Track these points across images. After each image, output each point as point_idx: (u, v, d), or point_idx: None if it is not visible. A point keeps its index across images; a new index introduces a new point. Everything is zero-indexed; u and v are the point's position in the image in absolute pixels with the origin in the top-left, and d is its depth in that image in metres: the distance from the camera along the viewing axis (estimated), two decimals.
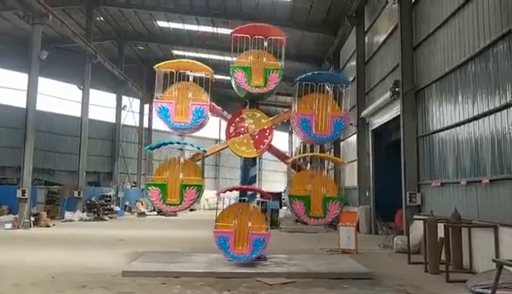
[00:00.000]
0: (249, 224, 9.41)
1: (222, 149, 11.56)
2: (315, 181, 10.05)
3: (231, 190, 10.27)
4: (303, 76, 10.31)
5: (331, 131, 10.09)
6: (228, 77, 30.82)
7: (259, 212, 9.85)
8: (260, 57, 10.31)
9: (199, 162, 10.53)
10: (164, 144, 10.41)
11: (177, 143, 10.70)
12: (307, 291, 7.63)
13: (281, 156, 11.14)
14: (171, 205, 9.97)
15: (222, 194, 10.21)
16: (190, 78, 10.48)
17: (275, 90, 10.61)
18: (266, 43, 10.41)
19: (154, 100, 10.37)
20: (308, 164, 12.60)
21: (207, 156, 10.68)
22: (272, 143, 10.65)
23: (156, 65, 10.54)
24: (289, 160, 11.12)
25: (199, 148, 10.49)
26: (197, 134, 12.67)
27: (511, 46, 8.64)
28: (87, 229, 19.54)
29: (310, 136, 10.12)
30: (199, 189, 9.95)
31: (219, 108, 11.01)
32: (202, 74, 10.59)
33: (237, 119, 10.54)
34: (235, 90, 10.79)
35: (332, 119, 10.03)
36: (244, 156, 10.55)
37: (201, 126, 10.54)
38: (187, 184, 9.91)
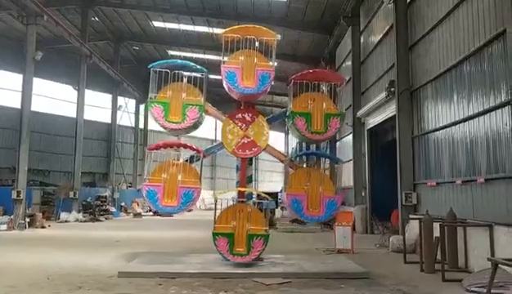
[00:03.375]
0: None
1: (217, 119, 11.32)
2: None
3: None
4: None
5: (323, 212, 10.00)
6: None
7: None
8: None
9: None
10: (167, 63, 10.50)
11: (181, 65, 10.62)
12: (303, 291, 7.64)
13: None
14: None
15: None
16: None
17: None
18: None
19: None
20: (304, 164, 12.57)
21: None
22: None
23: (224, 31, 10.36)
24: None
25: (202, 70, 10.44)
26: (193, 134, 12.65)
27: (506, 45, 8.68)
28: (83, 230, 19.47)
29: (302, 217, 10.23)
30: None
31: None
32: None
33: (248, 115, 10.60)
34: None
35: (324, 200, 9.97)
36: (223, 142, 10.56)
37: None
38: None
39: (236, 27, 10.57)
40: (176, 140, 10.71)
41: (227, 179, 46.41)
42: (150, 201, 10.06)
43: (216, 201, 9.92)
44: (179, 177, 10.02)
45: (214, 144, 11.06)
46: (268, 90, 10.59)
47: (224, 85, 10.44)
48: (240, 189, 10.47)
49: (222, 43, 10.26)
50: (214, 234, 9.52)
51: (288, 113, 10.58)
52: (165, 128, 10.50)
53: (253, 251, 9.45)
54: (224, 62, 10.27)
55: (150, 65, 10.41)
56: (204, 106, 10.37)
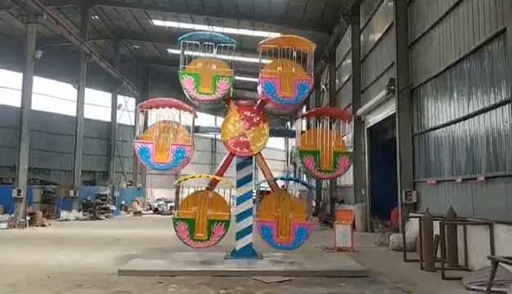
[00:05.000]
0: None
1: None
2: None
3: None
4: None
5: (293, 240, 9.79)
6: None
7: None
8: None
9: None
10: (196, 35, 10.51)
11: (210, 37, 10.65)
12: (303, 290, 7.64)
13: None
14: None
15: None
16: (214, 51, 10.37)
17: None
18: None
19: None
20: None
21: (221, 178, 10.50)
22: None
23: (262, 42, 10.34)
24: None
25: (232, 42, 10.44)
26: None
27: (506, 44, 8.67)
28: (83, 229, 19.48)
29: (271, 244, 9.87)
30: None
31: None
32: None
33: (256, 117, 10.58)
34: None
35: (294, 226, 9.78)
36: (221, 129, 10.53)
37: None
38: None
39: (274, 38, 10.62)
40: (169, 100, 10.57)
41: (227, 177, 46.31)
42: (142, 157, 10.05)
43: (178, 188, 10.06)
44: (171, 136, 10.10)
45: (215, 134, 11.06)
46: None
47: (260, 93, 10.54)
48: (213, 176, 10.51)
49: (259, 54, 10.32)
50: (174, 220, 9.71)
51: (296, 151, 10.47)
52: (196, 100, 10.36)
53: (214, 236, 9.63)
54: (261, 73, 10.23)
55: (181, 37, 10.45)
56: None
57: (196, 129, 10.68)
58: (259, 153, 10.61)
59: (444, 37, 11.73)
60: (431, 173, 12.38)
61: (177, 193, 10.07)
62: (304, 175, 15.80)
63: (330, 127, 10.51)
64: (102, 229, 19.22)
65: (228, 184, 10.23)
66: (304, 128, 11.48)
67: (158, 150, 10.03)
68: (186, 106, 10.43)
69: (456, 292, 7.67)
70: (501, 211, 8.68)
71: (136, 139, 10.26)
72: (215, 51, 10.37)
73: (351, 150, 10.67)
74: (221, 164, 10.91)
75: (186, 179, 10.25)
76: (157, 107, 10.43)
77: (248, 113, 10.62)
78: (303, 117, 10.99)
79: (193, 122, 10.46)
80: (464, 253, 9.72)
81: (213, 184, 10.31)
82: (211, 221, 9.69)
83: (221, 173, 10.62)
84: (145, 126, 10.67)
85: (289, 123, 47.99)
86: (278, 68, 10.20)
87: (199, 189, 10.15)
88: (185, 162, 10.23)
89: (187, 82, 10.18)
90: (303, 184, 11.14)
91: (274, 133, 11.12)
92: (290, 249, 9.77)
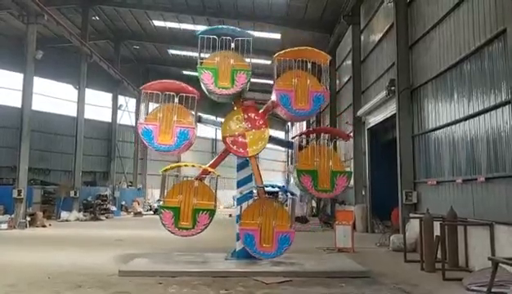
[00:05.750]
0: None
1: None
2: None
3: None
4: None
5: (275, 248, 9.64)
6: None
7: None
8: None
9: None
10: (214, 30, 10.57)
11: (227, 31, 10.62)
12: (303, 290, 7.63)
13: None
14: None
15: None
16: (232, 45, 10.35)
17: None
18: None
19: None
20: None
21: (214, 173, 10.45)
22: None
23: (276, 54, 10.34)
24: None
25: (249, 35, 10.44)
26: None
27: (506, 44, 8.67)
28: (84, 229, 19.48)
29: (254, 253, 9.67)
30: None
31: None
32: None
33: (259, 121, 10.57)
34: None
35: (277, 234, 9.64)
36: (222, 124, 10.55)
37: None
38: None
39: (289, 50, 10.42)
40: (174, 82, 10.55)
41: (228, 178, 46.37)
42: (146, 139, 10.04)
43: (164, 177, 10.14)
44: (174, 118, 10.08)
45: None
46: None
47: (276, 110, 10.57)
48: (199, 165, 10.65)
49: (275, 66, 10.32)
50: (159, 208, 9.83)
51: (294, 170, 10.45)
52: (215, 94, 10.33)
53: (198, 225, 9.67)
54: (276, 84, 10.20)
55: (199, 32, 10.44)
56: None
57: (199, 119, 10.64)
58: (254, 156, 10.60)
59: (444, 37, 11.73)
60: (431, 174, 12.38)
61: (163, 182, 10.12)
62: None
63: (334, 146, 10.50)
64: (102, 230, 19.22)
65: (215, 174, 10.23)
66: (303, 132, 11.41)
67: (161, 132, 10.02)
68: (190, 89, 10.43)
69: (457, 293, 7.67)
70: (502, 211, 8.67)
71: (140, 121, 10.25)
72: (233, 45, 10.34)
73: (349, 169, 10.60)
74: (215, 158, 10.97)
75: (172, 167, 10.28)
76: (161, 90, 10.38)
77: (252, 115, 10.61)
78: (301, 135, 10.98)
79: (196, 105, 10.38)
80: (465, 254, 9.71)
81: (204, 175, 10.34)
82: (196, 210, 9.71)
83: (213, 166, 10.64)
84: (149, 110, 10.54)
85: (289, 124, 47.99)
86: (293, 80, 10.13)
87: (187, 179, 10.17)
88: (188, 144, 10.24)
89: (206, 77, 10.17)
90: (290, 193, 11.02)
91: (273, 140, 11.04)
92: (273, 258, 9.62)
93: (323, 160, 10.07)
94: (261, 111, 10.73)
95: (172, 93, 10.36)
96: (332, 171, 10.02)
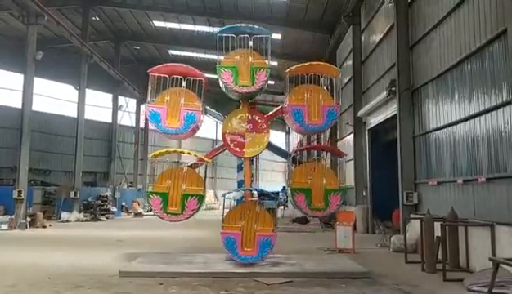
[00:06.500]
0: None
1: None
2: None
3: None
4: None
5: (257, 251, 9.44)
6: None
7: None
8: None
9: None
10: (232, 28, 10.50)
11: (245, 29, 10.55)
12: (304, 291, 7.63)
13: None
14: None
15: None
16: (250, 43, 10.35)
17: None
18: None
19: (146, 103, 10.30)
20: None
21: (209, 162, 10.53)
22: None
23: (288, 69, 10.38)
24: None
25: (267, 32, 10.36)
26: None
27: (507, 45, 8.65)
28: (84, 230, 19.49)
29: (235, 256, 9.49)
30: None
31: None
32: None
33: (262, 125, 10.56)
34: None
35: (259, 238, 9.45)
36: (225, 120, 10.59)
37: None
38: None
39: (300, 65, 10.45)
40: (181, 66, 10.60)
41: (229, 179, 46.39)
42: (154, 122, 10.13)
43: (153, 163, 10.23)
44: (182, 101, 10.14)
45: (218, 116, 11.13)
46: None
47: (286, 120, 10.62)
48: (188, 150, 10.84)
49: (287, 81, 10.36)
50: (148, 193, 9.87)
51: (287, 189, 10.48)
52: (235, 92, 10.32)
53: (187, 210, 9.72)
54: (288, 99, 10.19)
55: (218, 31, 10.50)
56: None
57: (205, 110, 10.61)
58: (248, 158, 10.59)
59: (445, 38, 11.71)
60: (432, 174, 12.36)
61: (153, 168, 10.27)
62: None
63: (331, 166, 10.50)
64: (103, 231, 19.21)
65: (208, 162, 10.31)
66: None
67: (169, 115, 10.07)
68: (198, 72, 10.45)
69: None
70: (502, 212, 8.66)
71: (148, 103, 10.26)
72: (251, 43, 10.34)
73: (343, 186, 10.55)
74: (211, 150, 11.03)
75: (161, 153, 10.32)
76: (169, 73, 10.39)
77: (256, 118, 10.60)
78: (296, 152, 10.98)
79: (203, 88, 10.41)
80: (466, 254, 9.69)
81: (199, 162, 10.41)
82: (185, 195, 9.76)
83: (208, 157, 10.68)
84: (156, 93, 10.51)
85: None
86: (305, 94, 10.10)
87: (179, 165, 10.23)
88: (195, 128, 10.30)
89: (226, 76, 10.16)
90: (271, 197, 10.94)
91: (270, 147, 10.98)
92: (254, 262, 9.45)
93: (317, 177, 10.02)
94: (266, 115, 10.75)
95: (179, 77, 10.39)
96: (326, 189, 9.94)
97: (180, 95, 10.23)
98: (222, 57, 10.29)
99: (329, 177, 10.14)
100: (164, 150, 10.37)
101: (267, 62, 10.33)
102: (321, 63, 10.76)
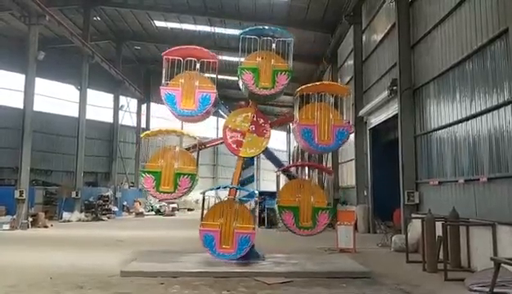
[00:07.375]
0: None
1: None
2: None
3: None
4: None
5: (235, 249, 9.39)
6: (228, 77, 30.76)
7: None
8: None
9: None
10: (255, 30, 10.59)
11: (268, 31, 10.62)
12: (305, 291, 7.62)
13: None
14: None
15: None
16: (273, 45, 10.39)
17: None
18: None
19: (162, 86, 10.33)
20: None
21: (204, 148, 10.71)
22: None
23: (299, 89, 10.26)
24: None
25: (290, 36, 10.43)
26: (194, 132, 12.63)
27: (508, 44, 8.64)
28: (85, 230, 19.50)
29: (213, 253, 9.49)
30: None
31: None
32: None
33: (264, 128, 10.61)
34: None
35: (237, 235, 9.41)
36: (229, 114, 10.67)
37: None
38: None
39: (311, 85, 10.46)
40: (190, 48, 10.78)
41: (229, 178, 46.41)
42: (169, 104, 10.21)
43: (144, 141, 10.47)
44: (196, 83, 10.22)
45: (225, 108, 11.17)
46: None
47: (296, 139, 10.68)
48: (181, 130, 10.92)
49: (297, 100, 10.33)
50: (141, 172, 10.03)
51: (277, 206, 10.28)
52: (256, 94, 10.37)
53: (180, 189, 9.86)
54: (299, 118, 10.14)
55: (241, 32, 10.54)
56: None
57: (215, 101, 10.59)
58: (242, 158, 10.60)
59: (446, 37, 11.69)
60: (433, 174, 12.34)
61: (146, 147, 10.53)
62: None
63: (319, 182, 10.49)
64: (104, 231, 19.22)
65: (196, 140, 10.49)
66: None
67: (184, 97, 10.15)
68: (211, 54, 10.54)
69: (459, 293, 7.66)
70: (504, 212, 8.64)
71: (162, 85, 10.33)
72: (273, 45, 10.38)
73: (331, 206, 10.49)
74: (210, 140, 11.26)
75: (153, 133, 10.52)
76: (182, 56, 10.42)
77: (260, 121, 10.65)
78: (288, 167, 11.01)
79: (216, 71, 10.46)
80: (467, 254, 9.66)
81: (192, 149, 10.54)
82: (177, 174, 9.87)
83: (204, 144, 10.90)
84: (171, 76, 10.55)
85: (291, 124, 47.96)
86: (316, 113, 10.01)
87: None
88: (209, 110, 10.37)
89: (247, 77, 10.23)
90: (249, 195, 10.90)
91: (266, 152, 10.96)
92: (232, 259, 9.42)
93: (305, 195, 9.90)
94: (270, 121, 10.77)
95: (193, 59, 10.43)
96: (314, 207, 9.80)
97: (194, 78, 10.32)
98: (242, 59, 10.41)
99: (317, 195, 10.02)
100: (157, 130, 10.48)
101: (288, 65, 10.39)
102: (332, 83, 10.81)
